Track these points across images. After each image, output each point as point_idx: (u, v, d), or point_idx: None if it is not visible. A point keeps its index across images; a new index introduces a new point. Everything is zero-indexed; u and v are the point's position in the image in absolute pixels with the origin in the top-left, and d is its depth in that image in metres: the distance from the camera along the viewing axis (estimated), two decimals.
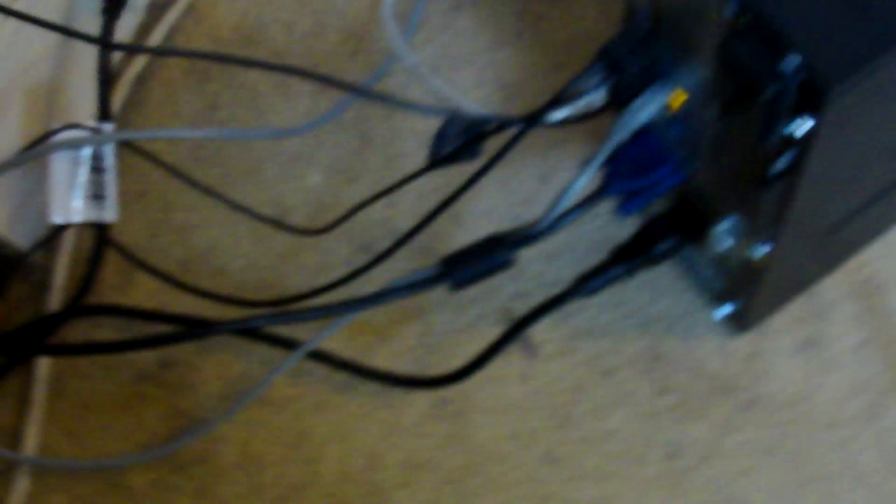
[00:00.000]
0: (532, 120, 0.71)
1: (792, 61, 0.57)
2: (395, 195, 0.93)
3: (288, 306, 0.85)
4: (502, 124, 0.72)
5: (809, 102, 0.58)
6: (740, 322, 0.88)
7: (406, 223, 0.88)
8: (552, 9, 1.01)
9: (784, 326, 0.89)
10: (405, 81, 0.98)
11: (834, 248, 0.86)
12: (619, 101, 0.72)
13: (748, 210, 0.71)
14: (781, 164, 0.62)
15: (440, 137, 0.73)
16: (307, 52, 1.01)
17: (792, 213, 0.67)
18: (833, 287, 0.90)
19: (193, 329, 0.85)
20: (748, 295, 0.82)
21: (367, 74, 0.99)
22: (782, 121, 0.59)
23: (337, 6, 1.03)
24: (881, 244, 0.91)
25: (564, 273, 0.91)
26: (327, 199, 0.96)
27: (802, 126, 0.58)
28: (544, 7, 1.01)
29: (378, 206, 0.93)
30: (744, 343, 0.89)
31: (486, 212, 0.94)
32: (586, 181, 0.73)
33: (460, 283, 0.77)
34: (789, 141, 0.61)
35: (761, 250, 0.74)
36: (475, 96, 0.98)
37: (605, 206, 0.91)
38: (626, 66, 0.70)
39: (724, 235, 0.77)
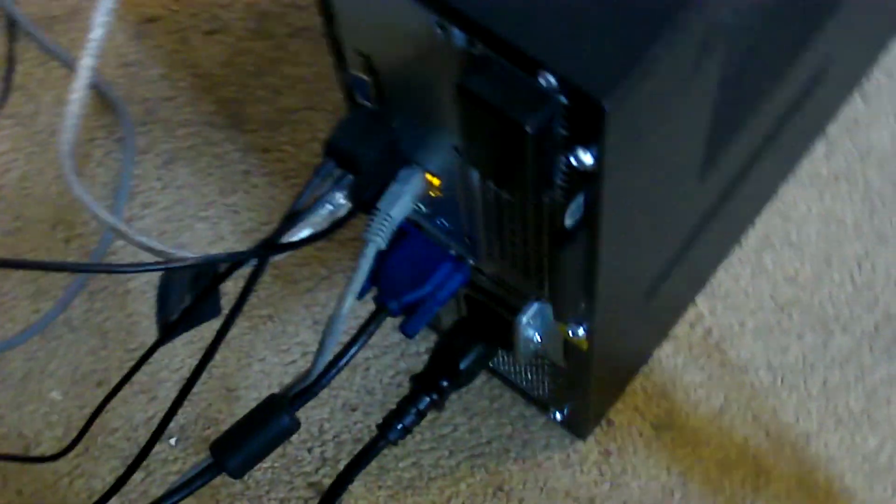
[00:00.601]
0: (267, 247, 0.58)
1: (547, 81, 0.45)
2: (155, 387, 0.79)
3: None
4: (235, 263, 0.58)
5: (583, 127, 0.46)
6: (580, 423, 0.75)
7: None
8: (275, 136, 0.88)
9: (630, 415, 0.78)
10: (131, 254, 0.84)
11: (658, 310, 0.75)
12: (364, 201, 0.59)
13: (551, 287, 0.59)
14: (574, 213, 0.50)
15: (162, 300, 0.59)
16: (12, 250, 0.86)
17: (601, 274, 0.55)
18: (670, 356, 0.79)
19: None
20: (579, 390, 0.70)
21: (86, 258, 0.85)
22: (558, 158, 0.47)
23: (34, 195, 0.88)
24: (706, 296, 0.81)
25: (367, 422, 0.78)
26: (75, 413, 0.80)
27: (584, 157, 0.46)
28: (266, 136, 0.88)
29: (139, 405, 0.80)
30: (591, 445, 0.77)
31: (261, 378, 0.81)
32: (349, 308, 0.60)
33: (239, 468, 0.62)
34: (574, 182, 0.49)
35: (578, 332, 0.61)
36: (216, 252, 0.85)
37: (394, 332, 0.79)
38: (359, 156, 0.57)
39: (529, 328, 0.64)
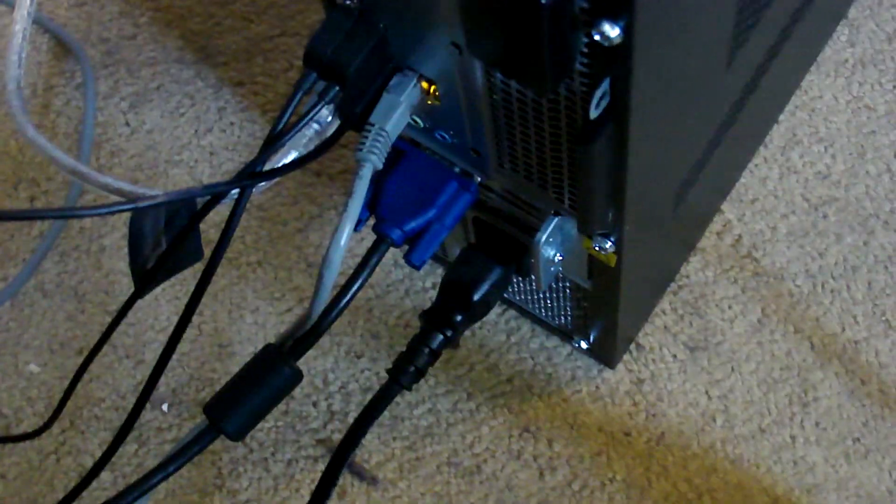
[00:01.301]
0: (249, 175, 0.51)
1: None
2: (140, 350, 0.72)
3: None
4: (213, 197, 0.51)
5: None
6: (607, 350, 0.69)
7: (164, 380, 0.69)
8: (249, 67, 0.81)
9: (661, 337, 0.71)
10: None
11: (686, 219, 0.68)
12: (353, 117, 0.52)
13: (575, 195, 0.52)
14: (599, 102, 0.43)
15: (135, 247, 0.52)
16: None
17: (631, 174, 0.48)
18: (699, 270, 0.73)
19: None
20: (606, 313, 0.64)
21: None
22: (578, 37, 0.40)
23: None
24: (732, 203, 0.74)
25: (376, 369, 0.71)
26: (56, 386, 0.74)
27: (610, 31, 0.39)
28: (239, 69, 0.81)
29: (125, 371, 0.73)
30: (621, 374, 0.71)
31: (256, 330, 0.74)
32: (347, 239, 0.53)
33: (238, 430, 0.56)
34: (597, 64, 0.42)
35: (605, 246, 0.55)
36: None
37: (396, 269, 0.73)
38: (344, 64, 0.50)
39: (549, 247, 0.57)
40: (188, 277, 0.63)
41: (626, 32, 0.40)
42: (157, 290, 0.71)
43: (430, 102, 0.54)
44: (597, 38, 0.40)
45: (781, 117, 0.76)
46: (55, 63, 0.83)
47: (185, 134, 0.80)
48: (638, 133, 0.46)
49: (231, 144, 0.79)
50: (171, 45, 0.82)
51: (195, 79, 0.81)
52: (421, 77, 0.53)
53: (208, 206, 0.52)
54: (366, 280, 0.56)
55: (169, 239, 0.53)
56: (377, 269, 0.57)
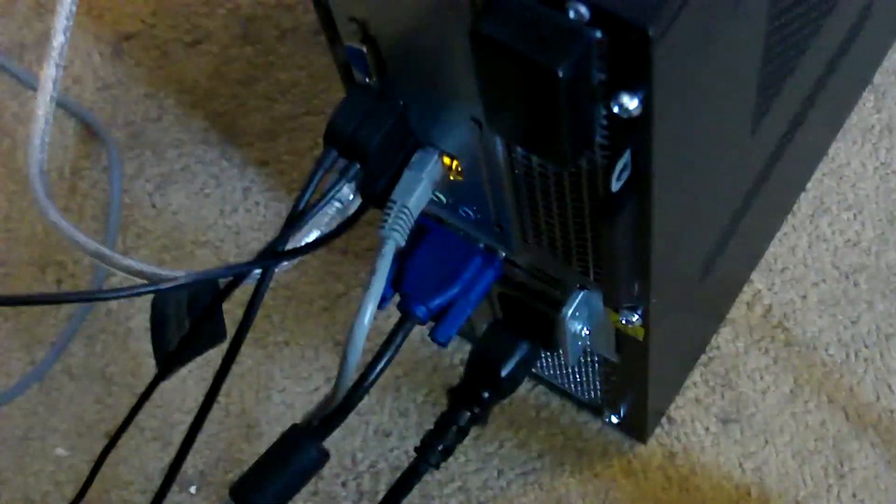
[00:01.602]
0: (270, 255, 0.50)
1: (577, 14, 0.38)
2: (168, 431, 0.72)
3: None
4: (236, 277, 0.51)
5: (625, 66, 0.39)
6: (638, 424, 0.68)
7: (192, 461, 0.68)
8: (273, 146, 0.81)
9: (692, 409, 0.70)
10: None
11: (714, 289, 0.67)
12: (375, 194, 0.52)
13: (599, 268, 0.52)
14: (620, 174, 0.43)
15: (158, 329, 0.51)
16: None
17: (655, 246, 0.48)
18: (730, 341, 0.72)
19: None
20: (636, 387, 0.63)
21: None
22: (597, 109, 0.40)
23: (20, 236, 0.81)
24: (762, 272, 0.73)
25: (405, 447, 0.71)
26: (84, 469, 0.73)
27: (628, 103, 0.39)
28: (264, 149, 0.81)
29: (153, 453, 0.73)
30: (653, 447, 0.70)
31: (284, 411, 0.74)
32: (370, 317, 0.53)
33: None
34: (617, 136, 0.41)
35: (632, 319, 0.54)
36: None
37: (424, 345, 0.72)
38: (364, 141, 0.50)
39: (575, 322, 0.57)
40: (215, 357, 0.63)
41: (645, 104, 0.40)
42: (184, 370, 0.71)
43: (452, 178, 0.53)
44: (615, 110, 0.40)
45: (809, 185, 0.75)
46: (82, 146, 0.83)
47: (211, 214, 0.80)
48: (661, 204, 0.45)
49: (257, 224, 0.79)
50: (196, 127, 0.83)
51: (220, 159, 0.82)
52: (442, 153, 0.52)
53: (231, 287, 0.52)
54: (391, 358, 0.56)
55: (192, 320, 0.53)
56: (404, 345, 0.57)
